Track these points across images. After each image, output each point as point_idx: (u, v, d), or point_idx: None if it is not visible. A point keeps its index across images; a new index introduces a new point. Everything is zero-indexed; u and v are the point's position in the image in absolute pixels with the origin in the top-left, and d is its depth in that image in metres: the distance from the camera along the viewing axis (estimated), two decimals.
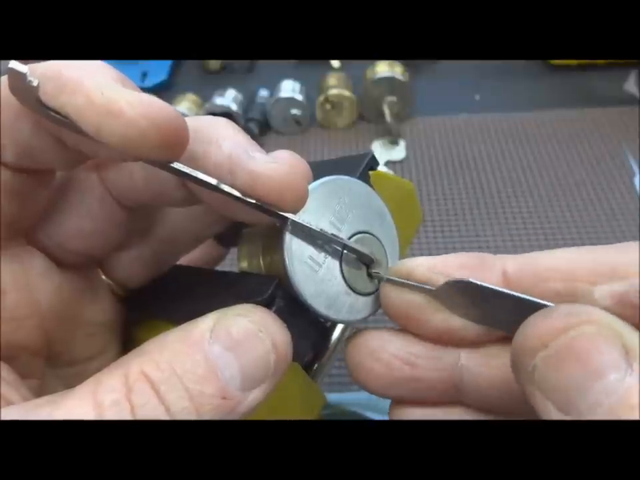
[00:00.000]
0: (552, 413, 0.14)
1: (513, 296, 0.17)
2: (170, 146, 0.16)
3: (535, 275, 0.18)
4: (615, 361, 0.14)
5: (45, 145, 0.18)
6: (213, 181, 0.18)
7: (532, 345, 0.15)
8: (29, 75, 0.15)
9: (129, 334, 0.27)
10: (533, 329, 0.15)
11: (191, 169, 0.18)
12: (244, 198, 0.18)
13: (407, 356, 0.20)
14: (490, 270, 0.19)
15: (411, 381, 0.20)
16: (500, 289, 0.18)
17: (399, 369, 0.20)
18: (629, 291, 0.16)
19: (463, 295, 0.19)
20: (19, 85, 0.16)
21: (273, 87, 0.72)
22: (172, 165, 0.17)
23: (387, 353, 0.20)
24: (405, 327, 0.20)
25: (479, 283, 0.18)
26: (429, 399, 0.21)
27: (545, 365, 0.15)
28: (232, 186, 0.18)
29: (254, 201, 0.18)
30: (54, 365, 0.23)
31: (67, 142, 0.18)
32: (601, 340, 0.14)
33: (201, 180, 0.18)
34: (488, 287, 0.18)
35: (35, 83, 0.16)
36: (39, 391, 0.22)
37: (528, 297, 0.17)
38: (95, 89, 0.16)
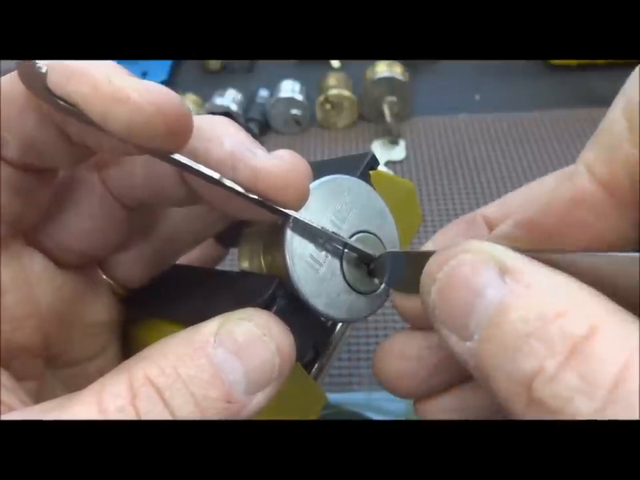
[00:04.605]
0: (457, 344, 0.15)
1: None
2: (175, 133, 0.17)
3: (509, 213, 0.19)
4: (490, 278, 0.15)
5: (49, 139, 0.18)
6: (216, 175, 0.18)
7: (426, 282, 0.16)
8: (37, 62, 0.16)
9: (128, 333, 0.27)
10: (426, 267, 0.17)
11: (194, 162, 0.18)
12: (246, 193, 0.18)
13: (432, 342, 0.21)
14: (477, 225, 0.21)
15: (444, 362, 0.20)
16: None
17: (428, 356, 0.20)
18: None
19: (397, 267, 0.20)
20: (28, 71, 0.16)
21: (273, 87, 0.72)
22: (175, 157, 0.17)
23: (414, 347, 0.21)
24: (426, 327, 0.21)
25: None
26: (461, 378, 0.21)
27: (439, 298, 0.16)
28: (234, 181, 0.18)
29: (255, 197, 0.18)
30: (53, 366, 0.23)
31: (72, 135, 0.18)
32: (476, 264, 0.15)
33: (204, 174, 0.18)
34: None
35: (43, 70, 0.16)
36: (38, 393, 0.22)
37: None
38: (102, 76, 0.16)
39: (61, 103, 0.16)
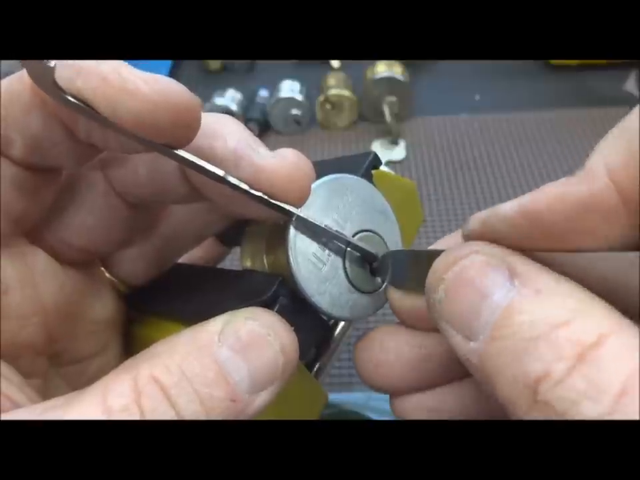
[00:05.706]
0: (461, 343, 0.15)
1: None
2: (183, 125, 0.17)
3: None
4: (499, 281, 0.15)
5: (55, 139, 0.18)
6: (220, 172, 0.18)
7: (433, 281, 0.16)
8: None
9: (130, 332, 0.27)
10: (433, 267, 0.17)
11: (199, 159, 0.18)
12: (249, 190, 0.18)
13: (415, 340, 0.21)
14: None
15: (423, 361, 0.20)
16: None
17: (408, 353, 0.20)
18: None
19: (400, 266, 0.20)
20: (36, 67, 0.16)
21: (273, 87, 0.72)
22: (181, 154, 0.17)
23: (395, 342, 0.21)
24: (416, 326, 0.21)
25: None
26: (439, 380, 0.21)
27: (446, 297, 0.16)
28: (237, 179, 0.18)
29: (258, 194, 0.18)
30: (56, 364, 0.23)
31: (78, 133, 0.18)
32: (487, 265, 0.15)
33: (209, 171, 0.18)
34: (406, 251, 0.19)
35: (51, 64, 0.16)
36: (43, 391, 0.22)
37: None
38: (111, 70, 0.16)
39: (70, 99, 0.16)
